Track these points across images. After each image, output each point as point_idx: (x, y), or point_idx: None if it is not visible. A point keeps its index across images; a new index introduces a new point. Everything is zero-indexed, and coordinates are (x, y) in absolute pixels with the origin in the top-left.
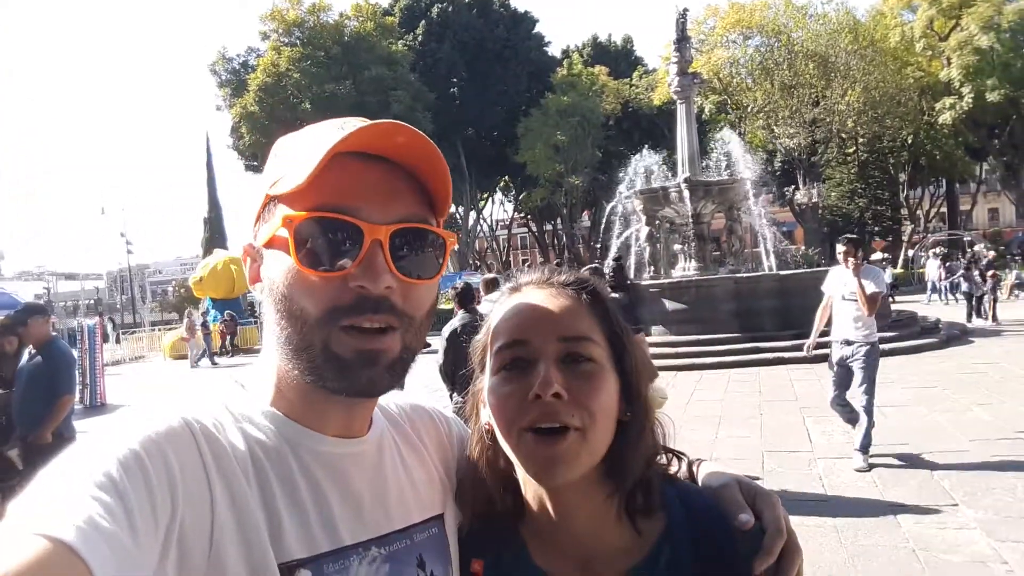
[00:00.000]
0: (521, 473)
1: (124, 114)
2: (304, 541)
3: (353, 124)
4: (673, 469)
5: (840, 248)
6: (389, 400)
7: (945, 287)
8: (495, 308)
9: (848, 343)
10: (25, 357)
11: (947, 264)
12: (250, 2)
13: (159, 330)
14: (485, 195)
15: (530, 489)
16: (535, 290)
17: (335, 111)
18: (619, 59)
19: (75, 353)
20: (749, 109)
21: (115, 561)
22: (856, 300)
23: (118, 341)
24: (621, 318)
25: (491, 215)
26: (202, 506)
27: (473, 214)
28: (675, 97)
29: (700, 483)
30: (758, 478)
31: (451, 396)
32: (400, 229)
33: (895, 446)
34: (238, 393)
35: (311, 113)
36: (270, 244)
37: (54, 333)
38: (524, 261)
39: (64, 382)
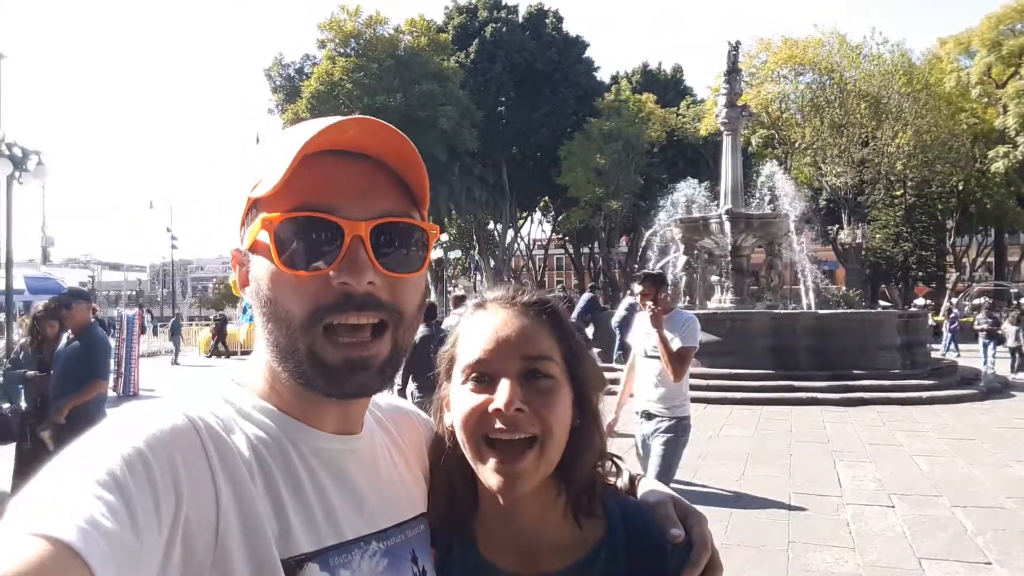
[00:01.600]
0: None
1: (179, 111)
2: (311, 535)
3: (326, 122)
4: (614, 479)
5: (636, 288)
6: (373, 400)
7: (948, 338)
8: (461, 322)
9: (649, 416)
10: (63, 341)
11: (951, 315)
12: (309, 11)
13: (196, 325)
14: (525, 214)
15: (484, 487)
16: (500, 309)
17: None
18: (667, 88)
19: (112, 342)
20: (797, 145)
21: (116, 561)
22: (660, 358)
23: (155, 333)
24: (577, 336)
25: (529, 234)
26: (207, 503)
27: (511, 232)
28: (722, 128)
29: (639, 497)
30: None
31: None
32: (381, 224)
33: (929, 497)
34: (236, 391)
35: None
36: (254, 247)
37: (93, 320)
38: (559, 283)
39: (99, 367)
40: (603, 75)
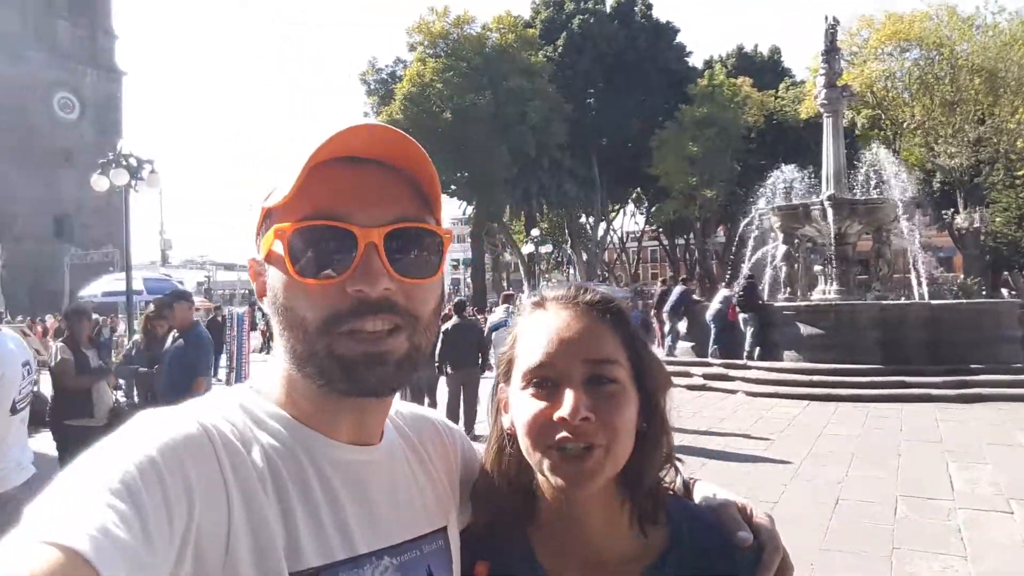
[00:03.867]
0: (538, 477)
1: (278, 115)
2: (320, 549)
3: (335, 129)
4: (668, 479)
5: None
6: (396, 410)
7: None
8: (520, 321)
9: None
10: (169, 340)
11: None
12: (400, 15)
13: None
14: (617, 206)
15: (546, 493)
16: (560, 309)
17: (474, 121)
18: (764, 70)
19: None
20: (905, 125)
21: (128, 570)
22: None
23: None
24: (642, 336)
25: (622, 227)
26: (219, 514)
27: (603, 225)
28: (822, 110)
29: (697, 500)
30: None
31: None
32: (394, 230)
33: None
34: (254, 398)
35: (451, 122)
36: (269, 257)
37: (218, 317)
38: (654, 275)
39: (201, 365)
40: (696, 60)
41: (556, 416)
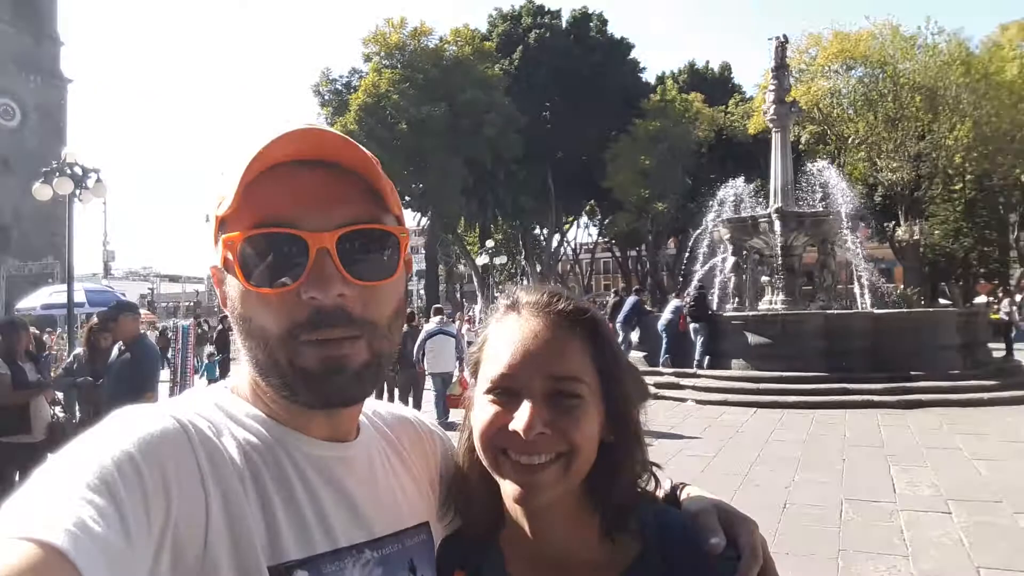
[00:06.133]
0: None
1: (230, 128)
2: (301, 542)
3: (275, 134)
4: (653, 488)
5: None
6: (373, 409)
7: None
8: (491, 323)
9: None
10: (115, 353)
11: None
12: (356, 27)
13: None
14: (571, 218)
15: (510, 499)
16: (532, 317)
17: (430, 132)
18: (715, 86)
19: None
20: (850, 141)
21: (107, 565)
22: None
23: (211, 343)
24: (616, 347)
25: (575, 239)
26: (197, 509)
27: (557, 237)
28: (770, 126)
29: (681, 507)
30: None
31: None
32: (347, 233)
33: (989, 504)
34: (229, 397)
35: (407, 134)
36: (225, 266)
37: (146, 331)
38: (607, 286)
39: (148, 380)
40: (649, 76)
41: (510, 427)
